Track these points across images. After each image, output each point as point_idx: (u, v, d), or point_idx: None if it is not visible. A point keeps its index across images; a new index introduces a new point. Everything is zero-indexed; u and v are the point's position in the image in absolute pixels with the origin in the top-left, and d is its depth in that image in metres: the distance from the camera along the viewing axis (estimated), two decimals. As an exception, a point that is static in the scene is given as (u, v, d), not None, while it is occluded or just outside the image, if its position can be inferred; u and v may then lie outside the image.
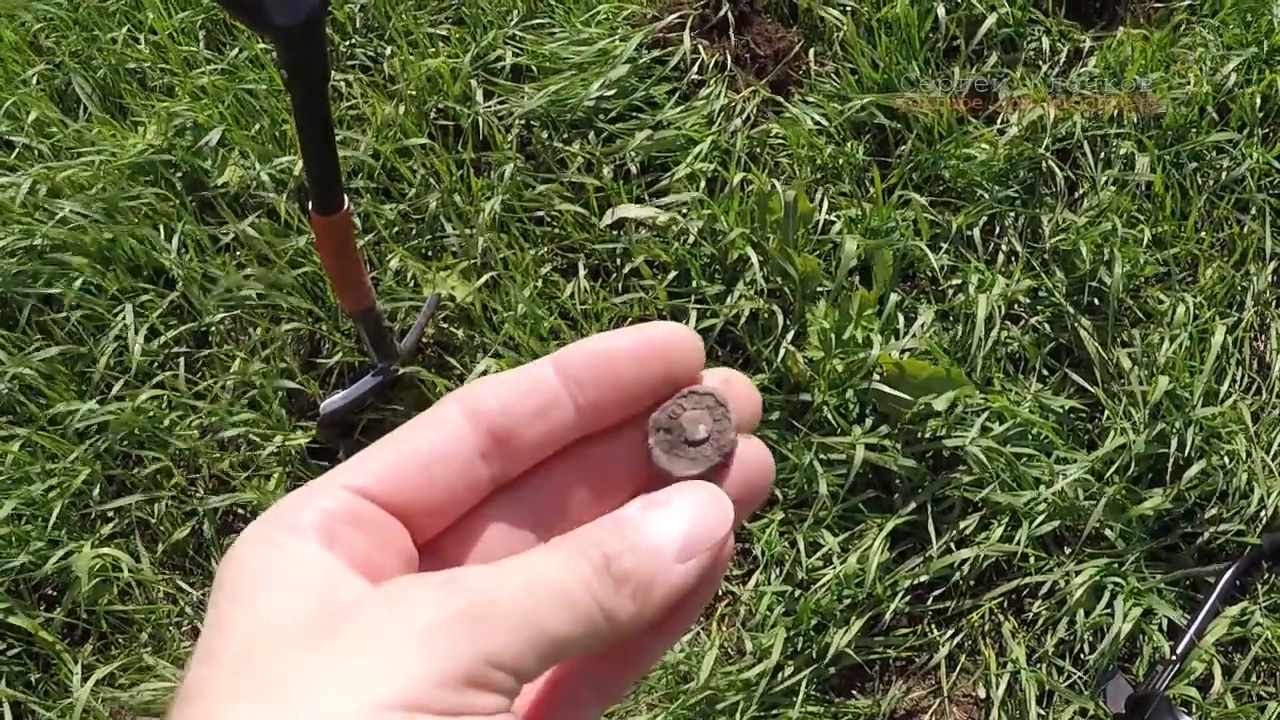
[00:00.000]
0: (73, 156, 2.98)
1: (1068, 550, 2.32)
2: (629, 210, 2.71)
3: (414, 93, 2.98)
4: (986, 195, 2.71)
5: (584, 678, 0.49)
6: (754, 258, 2.56)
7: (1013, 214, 2.71)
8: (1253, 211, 2.72)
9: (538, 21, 3.16)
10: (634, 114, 2.93)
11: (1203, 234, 2.69)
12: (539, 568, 0.43)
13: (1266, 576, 2.30)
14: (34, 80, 3.21)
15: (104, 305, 2.70)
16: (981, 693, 2.27)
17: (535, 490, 0.50)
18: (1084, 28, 3.12)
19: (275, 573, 0.43)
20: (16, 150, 3.03)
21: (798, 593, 2.28)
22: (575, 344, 0.49)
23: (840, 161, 2.79)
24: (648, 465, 0.49)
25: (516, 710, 0.42)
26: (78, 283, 2.71)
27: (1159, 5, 3.16)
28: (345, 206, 2.02)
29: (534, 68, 3.05)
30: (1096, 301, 2.57)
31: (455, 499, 0.48)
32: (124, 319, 2.65)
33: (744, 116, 2.91)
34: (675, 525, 0.45)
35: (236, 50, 3.16)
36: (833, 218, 2.69)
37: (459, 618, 0.40)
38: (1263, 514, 2.31)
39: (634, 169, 2.84)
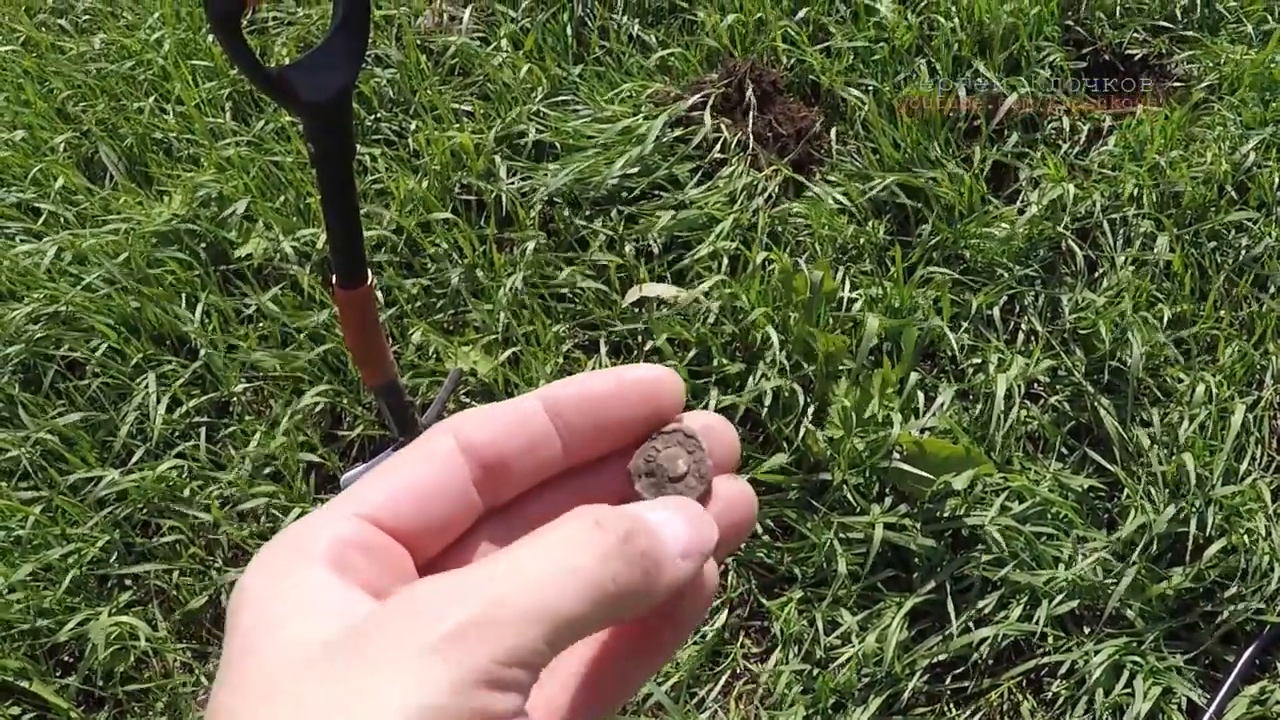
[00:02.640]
0: (98, 224, 2.99)
1: (1087, 629, 2.31)
2: (651, 289, 2.72)
3: (438, 167, 3.00)
4: (1007, 274, 2.72)
5: (583, 703, 0.51)
6: (775, 337, 2.56)
7: (1033, 293, 2.71)
8: (1272, 290, 2.72)
9: (562, 99, 3.18)
10: (657, 192, 2.95)
11: (1222, 313, 2.69)
12: (555, 551, 0.44)
13: (1287, 656, 2.30)
14: (61, 148, 3.23)
15: (127, 373, 2.71)
16: (1000, 773, 2.27)
17: (525, 514, 0.53)
18: (1104, 107, 3.14)
19: (292, 600, 0.45)
20: (43, 216, 3.05)
21: (816, 671, 2.28)
22: (562, 382, 0.52)
23: (862, 241, 2.80)
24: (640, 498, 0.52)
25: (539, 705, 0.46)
26: (101, 349, 2.72)
27: (1178, 84, 3.17)
28: (369, 281, 2.03)
29: (557, 144, 3.07)
30: (1116, 381, 2.57)
31: (452, 524, 0.51)
32: (146, 387, 2.66)
33: (766, 195, 2.92)
34: (679, 525, 0.48)
35: (263, 122, 3.19)
36: (854, 296, 2.70)
37: (471, 624, 0.41)
38: (1283, 592, 2.31)
39: (656, 247, 2.85)
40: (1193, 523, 2.32)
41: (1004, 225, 2.78)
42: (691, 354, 2.65)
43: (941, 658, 2.27)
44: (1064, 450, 2.52)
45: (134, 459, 2.61)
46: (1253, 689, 2.24)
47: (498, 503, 0.52)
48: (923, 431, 2.44)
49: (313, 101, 1.69)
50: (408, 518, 0.49)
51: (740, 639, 2.38)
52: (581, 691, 0.51)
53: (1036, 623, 2.25)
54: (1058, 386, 2.60)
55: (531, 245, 2.81)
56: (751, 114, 3.06)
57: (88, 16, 3.70)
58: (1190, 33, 3.31)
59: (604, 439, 0.53)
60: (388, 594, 0.46)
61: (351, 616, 0.44)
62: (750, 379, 2.58)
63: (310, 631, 0.43)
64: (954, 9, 3.23)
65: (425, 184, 2.95)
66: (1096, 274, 2.77)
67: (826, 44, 3.25)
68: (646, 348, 2.68)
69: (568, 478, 0.54)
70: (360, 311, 2.09)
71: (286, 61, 3.30)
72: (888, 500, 2.40)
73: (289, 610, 0.45)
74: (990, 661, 2.30)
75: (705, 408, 2.54)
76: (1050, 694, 2.28)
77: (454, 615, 0.41)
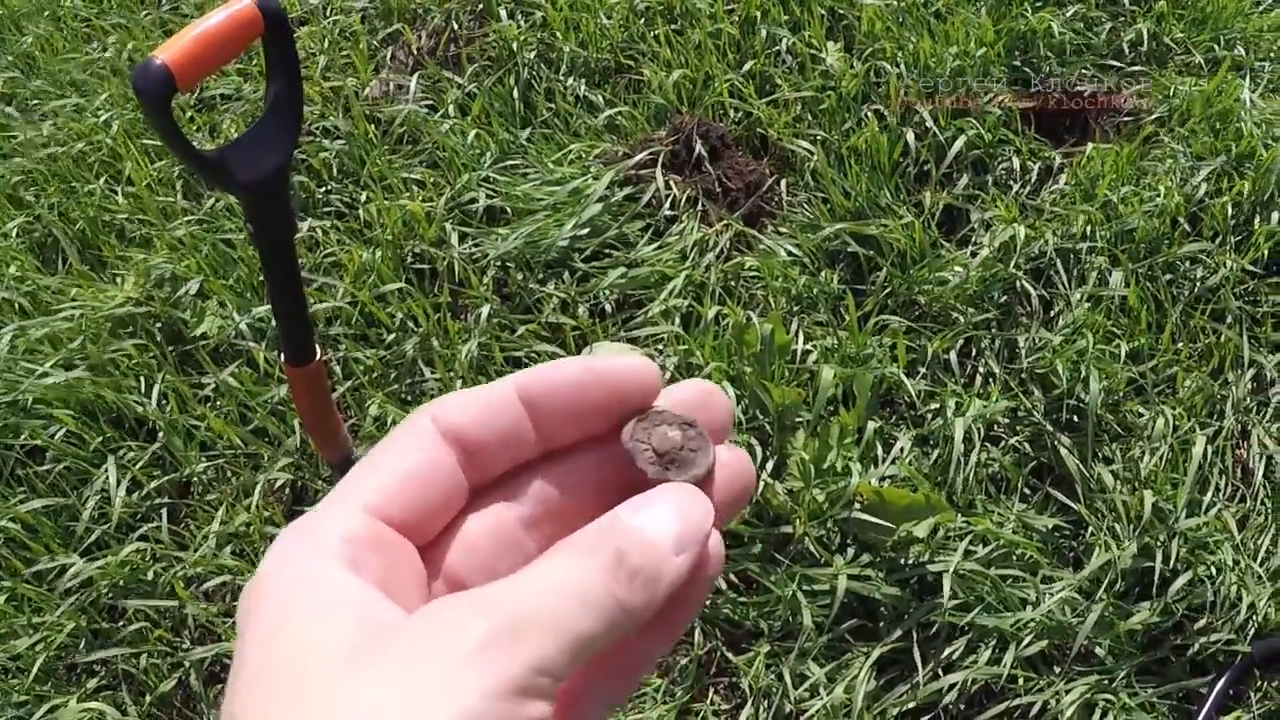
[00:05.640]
0: (53, 311, 2.98)
1: (1057, 669, 2.31)
2: (603, 348, 2.72)
3: (390, 238, 3.00)
4: (962, 318, 2.72)
5: (597, 682, 0.52)
6: (730, 392, 2.56)
7: (989, 336, 2.72)
8: (1228, 320, 2.73)
9: (511, 163, 3.19)
10: (608, 251, 2.96)
11: (1180, 345, 2.69)
12: (559, 574, 0.46)
13: (1259, 684, 2.29)
14: (14, 233, 3.22)
15: (87, 458, 2.70)
16: (976, 819, 2.26)
17: (514, 491, 0.54)
18: (1054, 145, 3.15)
19: (311, 598, 0.46)
20: (-4, 305, 3.04)
21: (787, 726, 2.27)
22: (536, 370, 0.53)
23: (815, 291, 2.80)
24: (641, 482, 0.52)
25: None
26: (60, 435, 2.71)
27: (1128, 119, 3.19)
28: (317, 357, 2.03)
29: (508, 209, 3.07)
30: (1076, 419, 2.58)
31: (446, 508, 0.52)
32: (106, 472, 2.65)
33: (717, 250, 2.93)
34: (667, 522, 0.49)
35: (213, 200, 3.18)
36: (809, 347, 2.70)
37: (501, 633, 0.43)
38: (1252, 621, 2.30)
39: (609, 307, 2.85)
40: (1158, 557, 2.31)
41: (957, 269, 2.78)
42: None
43: (911, 706, 2.27)
44: (1027, 491, 2.52)
45: (97, 544, 2.59)
46: (1228, 719, 2.24)
47: (481, 483, 0.53)
48: (882, 480, 2.44)
49: (248, 182, 1.69)
50: (408, 506, 0.50)
51: (710, 696, 2.36)
52: (599, 675, 0.52)
53: (1005, 666, 2.24)
54: (1018, 427, 2.60)
55: (485, 311, 2.81)
56: (700, 170, 3.06)
57: (36, 100, 3.70)
58: (1138, 67, 3.32)
59: (578, 427, 0.54)
60: (399, 589, 0.48)
61: (373, 617, 0.45)
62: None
63: (334, 632, 0.44)
64: (900, 55, 3.25)
65: (378, 255, 2.95)
66: (1052, 313, 2.77)
67: (773, 96, 3.27)
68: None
69: (563, 452, 0.55)
70: (311, 387, 2.09)
71: (235, 137, 3.31)
72: (850, 551, 2.40)
73: (310, 609, 0.46)
74: (961, 707, 2.29)
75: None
76: (1022, 736, 2.28)
77: (481, 628, 0.43)
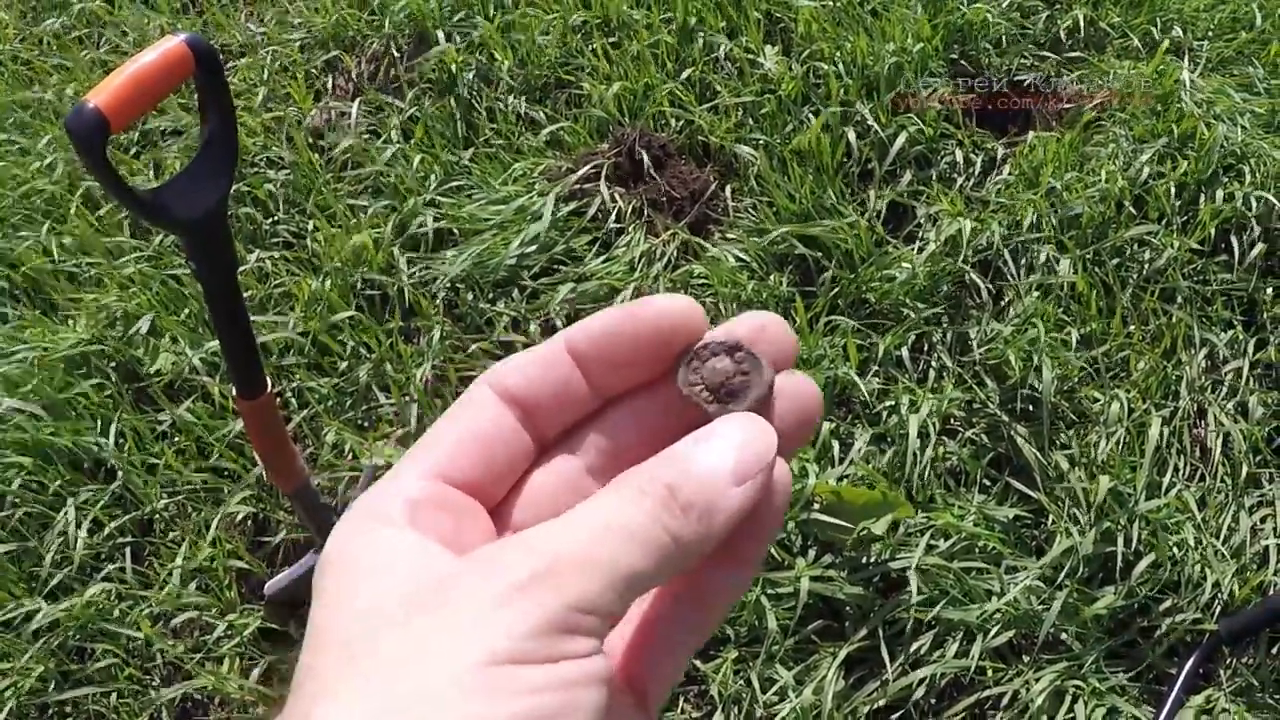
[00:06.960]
0: (6, 355, 2.97)
1: (1025, 658, 2.31)
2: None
3: (339, 266, 3.00)
4: (912, 314, 2.73)
5: (675, 620, 0.53)
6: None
7: (940, 330, 2.72)
8: (1179, 300, 2.74)
9: (456, 184, 3.18)
10: (557, 267, 2.96)
11: (1131, 328, 2.70)
12: (606, 512, 0.47)
13: (1228, 661, 2.30)
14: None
15: (46, 501, 2.69)
16: (950, 812, 2.26)
17: (577, 444, 0.55)
18: (996, 136, 3.16)
19: (373, 560, 0.48)
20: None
21: (758, 730, 2.27)
22: (582, 323, 0.54)
23: (764, 295, 2.80)
24: (701, 418, 0.52)
25: (611, 652, 0.47)
26: (17, 481, 2.70)
27: (1069, 106, 3.20)
28: (267, 389, 2.02)
29: (455, 230, 3.07)
30: (1031, 408, 2.58)
31: (512, 466, 0.54)
32: (66, 515, 2.64)
33: (665, 260, 2.93)
34: (725, 453, 0.49)
35: (160, 236, 3.17)
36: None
37: (540, 574, 0.44)
38: (1218, 599, 2.31)
39: (560, 323, 2.84)
40: (1119, 541, 2.32)
41: (904, 266, 2.79)
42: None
43: (881, 703, 2.27)
44: (986, 482, 2.53)
45: (61, 587, 2.58)
46: (1198, 699, 2.24)
47: (545, 440, 0.55)
48: (840, 480, 2.44)
49: (186, 220, 1.69)
50: (472, 469, 0.52)
51: (680, 704, 2.36)
52: (673, 610, 0.53)
53: (973, 658, 2.25)
54: (973, 419, 2.60)
55: (437, 333, 2.81)
56: (645, 180, 3.06)
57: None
58: (1077, 53, 3.34)
59: (630, 373, 0.54)
60: (467, 547, 0.49)
61: (430, 570, 0.46)
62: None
63: (390, 587, 0.46)
64: (837, 55, 3.25)
65: (327, 284, 2.94)
66: (1002, 304, 2.78)
67: (714, 102, 3.27)
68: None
69: (623, 399, 0.55)
70: (262, 420, 2.08)
71: (170, 176, 3.30)
72: (811, 552, 2.40)
73: (369, 569, 0.47)
74: (932, 701, 2.29)
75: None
76: (994, 727, 2.28)
77: (522, 569, 0.44)
